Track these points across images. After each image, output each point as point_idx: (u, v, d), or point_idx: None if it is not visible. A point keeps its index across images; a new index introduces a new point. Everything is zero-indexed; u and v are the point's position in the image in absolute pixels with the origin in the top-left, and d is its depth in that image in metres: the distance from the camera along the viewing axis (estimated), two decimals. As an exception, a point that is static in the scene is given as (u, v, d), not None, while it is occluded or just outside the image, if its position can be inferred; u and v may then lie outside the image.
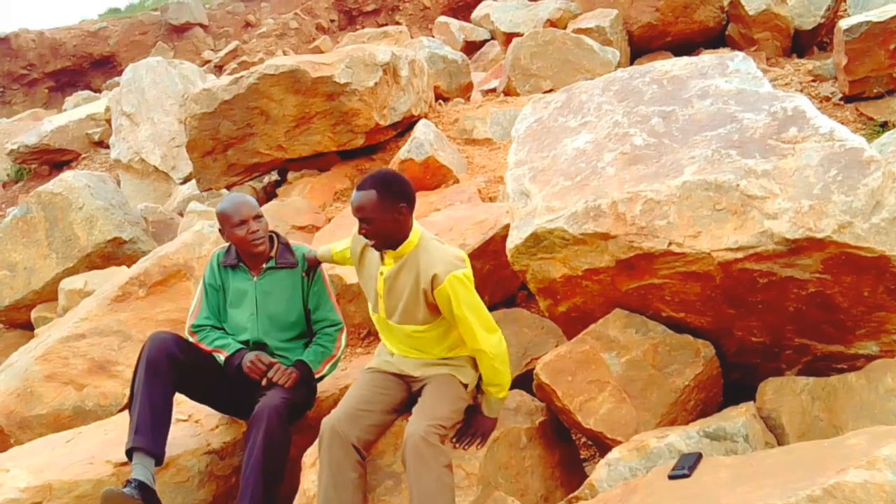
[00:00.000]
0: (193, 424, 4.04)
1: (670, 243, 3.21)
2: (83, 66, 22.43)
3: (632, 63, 9.22)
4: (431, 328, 3.39)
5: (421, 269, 3.29)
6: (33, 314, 7.48)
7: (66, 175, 7.90)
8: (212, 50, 21.85)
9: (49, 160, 13.32)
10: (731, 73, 3.82)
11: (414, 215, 3.41)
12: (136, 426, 3.53)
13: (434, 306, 3.31)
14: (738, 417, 3.05)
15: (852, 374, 3.17)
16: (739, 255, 3.10)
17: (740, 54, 3.99)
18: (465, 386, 3.42)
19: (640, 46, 9.58)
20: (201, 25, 22.61)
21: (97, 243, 7.37)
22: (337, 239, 5.61)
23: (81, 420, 4.86)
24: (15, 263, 7.57)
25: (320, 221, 6.36)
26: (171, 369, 3.63)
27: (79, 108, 15.37)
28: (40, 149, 13.22)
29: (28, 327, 7.52)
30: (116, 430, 4.03)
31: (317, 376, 3.91)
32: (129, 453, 3.52)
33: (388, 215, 3.28)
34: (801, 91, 7.29)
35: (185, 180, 10.29)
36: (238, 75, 6.89)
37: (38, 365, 5.12)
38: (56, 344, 5.23)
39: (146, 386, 3.58)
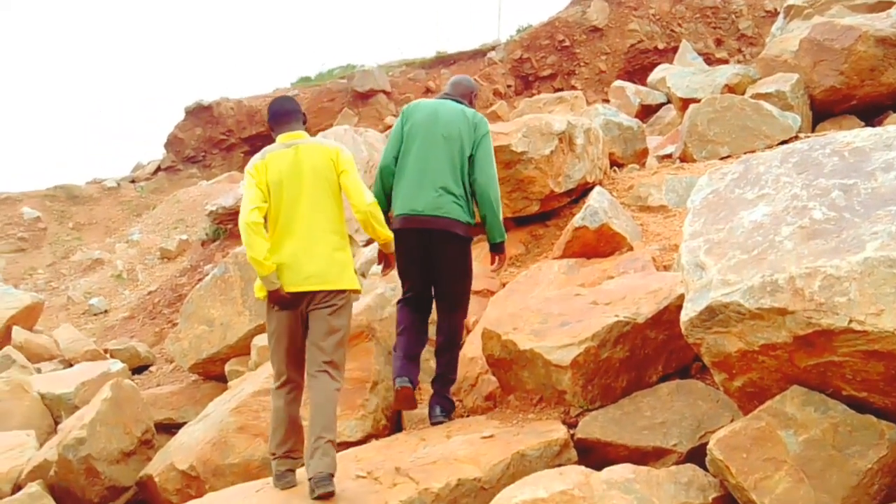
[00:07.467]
0: (372, 482, 4.22)
1: (851, 321, 3.15)
2: (275, 132, 23.76)
3: (814, 128, 8.95)
4: None
5: None
6: (227, 367, 8.02)
7: (260, 238, 8.46)
8: (393, 115, 22.74)
9: (243, 221, 14.19)
10: (918, 144, 3.72)
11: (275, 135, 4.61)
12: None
13: None
14: (926, 505, 2.94)
15: None
16: (926, 335, 3.01)
17: (929, 125, 3.88)
18: None
19: (823, 111, 9.27)
20: (384, 92, 23.56)
21: (287, 302, 7.77)
22: (512, 304, 5.75)
23: (268, 471, 5.15)
24: (213, 319, 8.16)
25: (494, 286, 6.51)
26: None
27: (270, 172, 16.30)
28: (236, 210, 13.96)
29: (222, 379, 8.06)
30: (301, 484, 4.27)
31: None
32: None
33: None
34: None
35: (368, 242, 10.69)
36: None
37: (233, 417, 5.54)
38: (248, 398, 5.65)
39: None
